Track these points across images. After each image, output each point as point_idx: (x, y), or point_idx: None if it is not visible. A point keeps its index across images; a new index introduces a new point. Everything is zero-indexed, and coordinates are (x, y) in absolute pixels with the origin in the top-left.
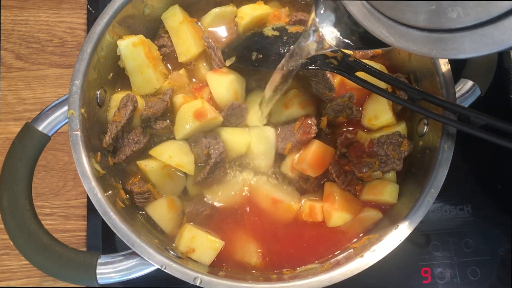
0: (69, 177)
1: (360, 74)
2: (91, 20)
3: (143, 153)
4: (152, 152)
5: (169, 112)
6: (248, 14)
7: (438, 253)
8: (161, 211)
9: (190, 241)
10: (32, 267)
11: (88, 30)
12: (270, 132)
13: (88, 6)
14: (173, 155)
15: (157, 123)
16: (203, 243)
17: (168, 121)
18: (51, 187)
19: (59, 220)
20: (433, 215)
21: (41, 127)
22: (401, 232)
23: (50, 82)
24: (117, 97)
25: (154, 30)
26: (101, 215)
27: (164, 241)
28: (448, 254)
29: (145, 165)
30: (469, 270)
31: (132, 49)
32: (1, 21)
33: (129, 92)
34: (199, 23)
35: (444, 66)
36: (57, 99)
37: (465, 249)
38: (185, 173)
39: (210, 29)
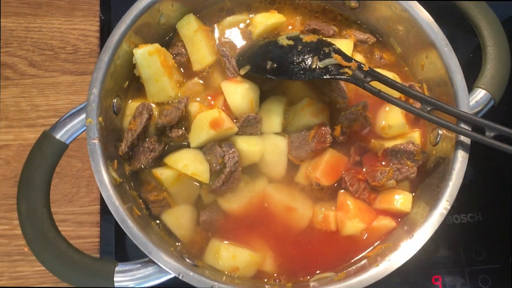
0: (83, 184)
1: (374, 83)
2: (104, 24)
3: (158, 161)
4: (167, 160)
5: (184, 120)
6: (262, 22)
7: (449, 261)
8: (176, 219)
9: (232, 260)
10: (45, 272)
11: (100, 37)
12: (282, 141)
13: (100, 14)
14: (188, 164)
15: (172, 131)
16: (246, 260)
17: (183, 128)
18: (64, 194)
19: (72, 227)
20: (443, 223)
21: (59, 135)
22: (416, 241)
23: (63, 89)
24: (133, 105)
25: (169, 39)
26: (119, 223)
27: (179, 249)
28: (459, 262)
29: (161, 173)
30: (480, 278)
31: (148, 57)
32: (13, 28)
33: (144, 100)
34: (213, 32)
35: (458, 75)
36: (74, 108)
37: (476, 257)
38: (199, 181)
39: (224, 37)
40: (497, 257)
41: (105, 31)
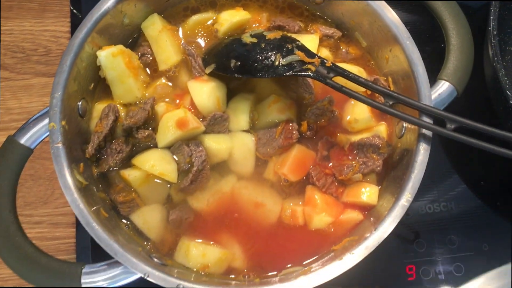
0: (57, 185)
1: (338, 79)
2: (75, 24)
3: (127, 161)
4: (135, 161)
5: (151, 120)
6: (227, 20)
7: (423, 250)
8: (145, 219)
9: (202, 258)
10: None
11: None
12: (250, 138)
13: (71, 7)
14: (155, 164)
15: (139, 132)
16: (216, 258)
17: (150, 129)
18: (39, 196)
19: (48, 228)
20: (417, 213)
21: (23, 140)
22: (379, 235)
23: (36, 91)
24: (99, 107)
25: (135, 39)
26: (84, 226)
27: (149, 248)
28: (432, 251)
29: (128, 174)
30: (453, 266)
31: (112, 59)
32: None
33: (110, 102)
34: (179, 31)
35: (420, 68)
36: (39, 112)
37: (449, 245)
38: (168, 181)
39: (190, 36)
40: (470, 245)
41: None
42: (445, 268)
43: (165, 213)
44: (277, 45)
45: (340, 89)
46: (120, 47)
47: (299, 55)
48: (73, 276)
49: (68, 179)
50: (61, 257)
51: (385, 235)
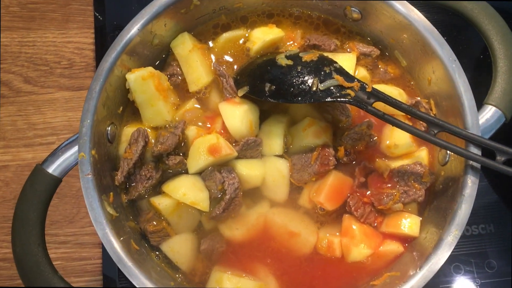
0: (83, 204)
1: (378, 104)
2: (97, 28)
3: (156, 188)
4: (165, 188)
5: (182, 142)
6: (259, 38)
7: (460, 275)
8: (176, 249)
9: None
10: None
11: (96, 49)
12: (284, 164)
13: (96, 13)
14: (187, 193)
15: (169, 159)
16: None
17: (181, 154)
18: (65, 215)
19: (74, 248)
20: None
21: (52, 169)
22: (424, 276)
23: (60, 105)
24: (128, 131)
25: (164, 58)
26: (116, 262)
27: (180, 281)
28: (470, 275)
29: (159, 203)
30: None
31: (142, 82)
32: (7, 43)
33: (140, 126)
34: (209, 50)
35: (467, 93)
36: (67, 140)
37: (488, 270)
38: (199, 210)
39: (221, 55)
40: (510, 270)
41: (100, 42)
42: None
43: (196, 242)
44: (314, 68)
45: (382, 116)
46: (150, 69)
47: (337, 79)
48: None
49: (99, 212)
50: (88, 278)
51: (431, 275)
